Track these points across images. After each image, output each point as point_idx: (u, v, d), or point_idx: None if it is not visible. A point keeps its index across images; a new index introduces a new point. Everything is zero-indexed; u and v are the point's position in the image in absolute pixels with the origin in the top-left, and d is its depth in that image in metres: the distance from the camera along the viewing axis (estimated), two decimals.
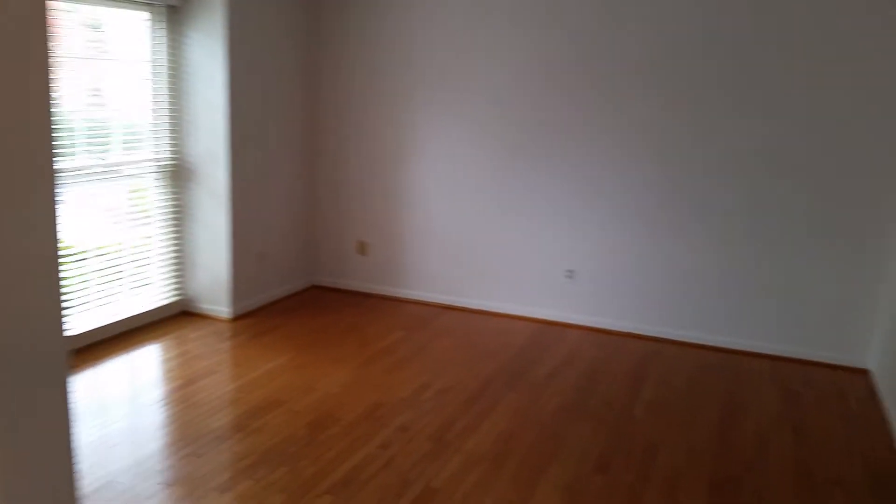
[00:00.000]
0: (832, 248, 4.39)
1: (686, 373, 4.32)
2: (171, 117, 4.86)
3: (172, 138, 4.88)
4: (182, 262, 5.08)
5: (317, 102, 5.57)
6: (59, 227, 1.97)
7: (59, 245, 1.99)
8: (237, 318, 5.02)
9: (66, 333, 2.07)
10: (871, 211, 4.27)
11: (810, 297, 4.49)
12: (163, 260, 4.97)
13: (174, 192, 4.96)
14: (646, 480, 3.12)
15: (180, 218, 5.01)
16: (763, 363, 4.52)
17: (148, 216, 4.82)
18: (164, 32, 4.70)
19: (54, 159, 1.90)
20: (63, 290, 2.04)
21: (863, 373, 4.40)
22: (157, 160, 4.81)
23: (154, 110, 4.76)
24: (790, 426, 3.68)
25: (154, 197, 4.85)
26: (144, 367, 4.21)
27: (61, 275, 2.02)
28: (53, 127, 1.89)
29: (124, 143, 4.59)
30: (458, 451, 3.32)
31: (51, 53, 1.86)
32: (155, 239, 4.89)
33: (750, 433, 3.59)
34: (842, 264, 4.39)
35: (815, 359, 4.54)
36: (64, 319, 2.05)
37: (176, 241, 5.03)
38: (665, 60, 4.55)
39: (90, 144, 4.37)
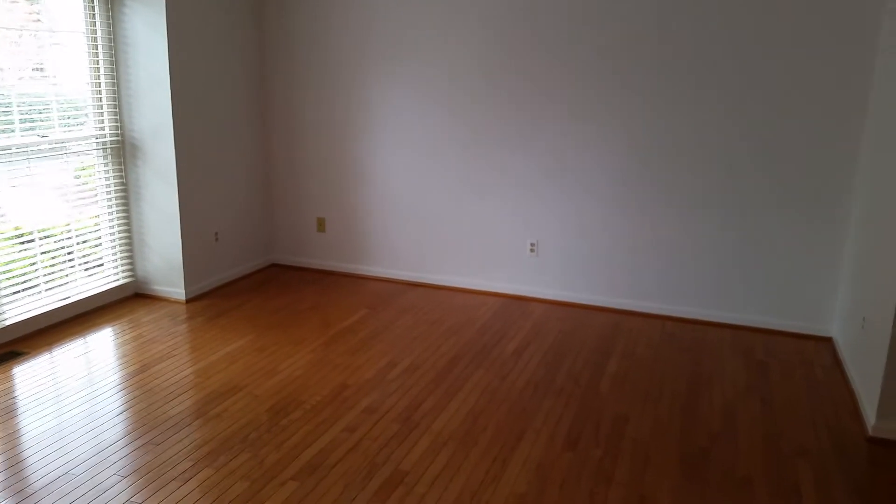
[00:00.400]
0: (795, 218, 4.40)
1: (651, 345, 4.32)
2: (113, 92, 4.62)
3: (115, 114, 4.66)
4: (132, 242, 4.88)
5: (269, 74, 5.38)
6: None
7: None
8: (193, 300, 4.85)
9: None
10: (833, 180, 4.29)
11: (774, 266, 4.51)
12: (113, 241, 4.77)
13: (120, 171, 4.74)
14: (615, 455, 3.09)
15: (128, 197, 4.80)
16: (727, 333, 4.54)
17: (95, 195, 4.61)
18: (102, 3, 4.45)
19: None
20: None
21: (827, 341, 4.45)
22: (101, 137, 4.59)
23: (95, 85, 4.52)
24: (757, 396, 3.69)
25: (100, 175, 4.63)
26: (98, 352, 4.03)
27: None
28: None
29: (66, 119, 4.35)
30: (427, 432, 3.25)
31: None
32: (103, 219, 4.68)
33: (717, 405, 3.59)
34: (804, 233, 4.41)
35: (780, 328, 4.57)
36: None
37: (125, 222, 4.83)
38: (628, 40, 4.48)
39: (30, 121, 4.13)
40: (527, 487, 2.84)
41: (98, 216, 4.64)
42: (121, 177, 4.74)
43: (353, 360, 3.98)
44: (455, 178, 5.07)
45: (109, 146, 4.63)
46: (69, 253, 4.45)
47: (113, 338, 4.23)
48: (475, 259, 5.17)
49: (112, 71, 4.58)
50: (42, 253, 4.27)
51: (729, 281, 4.62)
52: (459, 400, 3.55)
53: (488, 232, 5.08)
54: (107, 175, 4.65)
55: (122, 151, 4.71)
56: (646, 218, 4.70)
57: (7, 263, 4.08)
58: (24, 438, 3.13)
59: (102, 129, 4.59)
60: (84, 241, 4.55)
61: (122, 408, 3.41)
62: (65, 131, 4.34)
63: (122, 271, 4.85)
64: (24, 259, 4.16)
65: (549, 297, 5.05)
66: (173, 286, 4.84)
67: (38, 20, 4.13)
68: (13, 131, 3.99)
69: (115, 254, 4.80)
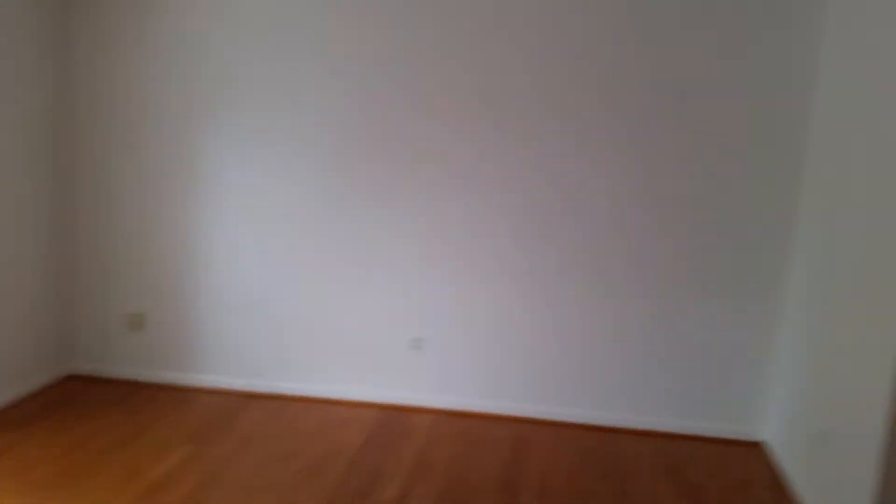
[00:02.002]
0: (717, 302, 3.71)
1: (568, 471, 3.41)
2: None
3: None
4: None
5: (68, 123, 4.10)
6: None
7: None
8: None
9: None
10: (763, 269, 3.64)
11: (694, 360, 3.78)
12: None
13: None
14: None
15: None
16: (648, 445, 3.73)
17: None
18: None
19: None
20: None
21: (757, 447, 3.76)
22: None
23: None
24: None
25: None
26: None
27: None
28: None
29: None
30: None
31: None
32: None
33: None
34: (729, 320, 3.72)
35: (705, 433, 3.83)
36: None
37: None
38: (521, 109, 3.68)
39: None
40: None
41: None
42: None
43: None
44: (315, 259, 4.00)
45: None
46: None
47: None
48: (342, 360, 4.09)
49: None
50: None
51: (648, 380, 3.84)
52: None
53: (359, 325, 4.04)
54: None
55: None
56: (548, 307, 3.85)
57: None
58: None
59: None
60: None
61: None
62: None
63: None
64: None
65: (438, 405, 4.05)
66: None
67: None
68: None
69: None
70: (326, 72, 3.81)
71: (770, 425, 3.72)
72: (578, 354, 3.88)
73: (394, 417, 3.94)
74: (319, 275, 4.01)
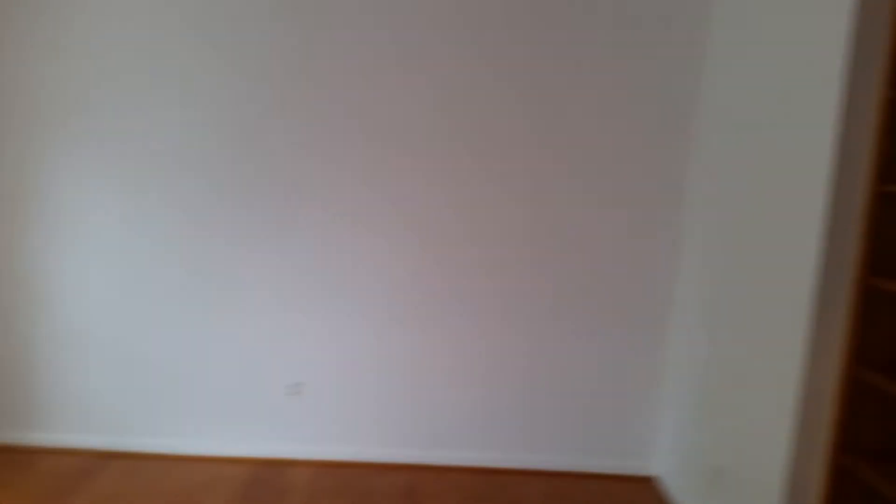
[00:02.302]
0: (608, 342, 3.63)
1: None
2: None
3: None
4: None
5: None
6: None
7: None
8: None
9: None
10: (645, 301, 3.60)
11: (585, 399, 3.67)
12: None
13: None
14: None
15: None
16: (541, 483, 3.59)
17: None
18: None
19: None
20: None
21: (648, 482, 3.70)
22: None
23: None
24: None
25: None
26: None
27: None
28: None
29: None
30: None
31: None
32: None
33: None
34: (620, 360, 3.65)
35: (598, 470, 3.74)
36: None
37: None
38: (398, 137, 3.46)
39: None
40: None
41: None
42: None
43: None
44: (183, 300, 3.59)
45: None
46: None
47: None
48: (211, 410, 3.68)
49: None
50: None
51: (532, 418, 3.70)
52: None
53: (232, 372, 3.65)
54: None
55: None
56: (431, 348, 3.63)
57: None
58: None
59: None
60: None
61: None
62: None
63: None
64: None
65: (318, 456, 3.72)
66: None
67: None
68: None
69: None
70: (188, 102, 3.43)
71: (662, 459, 3.68)
72: (465, 395, 3.68)
73: (268, 473, 3.57)
74: (187, 317, 3.59)
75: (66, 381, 3.63)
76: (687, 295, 3.46)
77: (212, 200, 3.49)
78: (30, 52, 3.39)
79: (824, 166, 2.29)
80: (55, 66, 3.40)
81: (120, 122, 3.43)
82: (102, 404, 3.65)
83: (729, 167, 3.05)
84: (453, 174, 3.48)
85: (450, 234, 3.53)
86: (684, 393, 3.41)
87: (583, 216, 3.52)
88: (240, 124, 3.44)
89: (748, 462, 2.70)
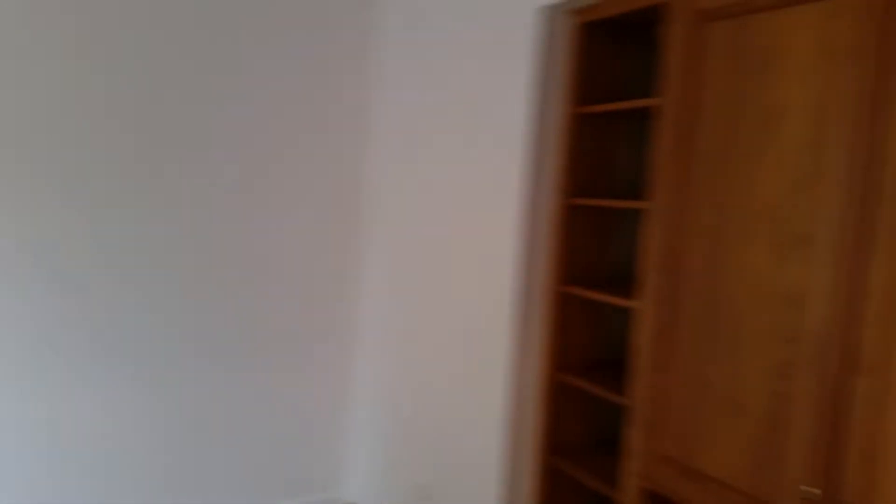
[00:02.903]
0: (280, 361, 3.37)
1: None
2: None
3: None
4: None
5: None
6: None
7: None
8: None
9: None
10: (325, 324, 3.43)
11: (262, 437, 3.36)
12: None
13: None
14: None
15: None
16: None
17: None
18: None
19: None
20: None
21: None
22: None
23: None
24: None
25: None
26: None
27: None
28: None
29: None
30: None
31: None
32: None
33: None
34: (297, 391, 3.42)
35: None
36: None
37: None
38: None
39: None
40: None
41: None
42: None
43: None
44: None
45: None
46: None
47: None
48: None
49: None
50: None
51: (213, 459, 3.28)
52: None
53: None
54: None
55: None
56: (73, 408, 2.98)
57: None
58: None
59: None
60: None
61: None
62: None
63: None
64: None
65: None
66: None
67: None
68: None
69: None
70: None
71: (359, 484, 3.55)
72: (130, 443, 3.09)
73: None
74: None
75: None
76: (373, 313, 3.37)
77: None
78: None
79: (517, 181, 2.36)
80: None
81: None
82: None
83: (415, 177, 3.03)
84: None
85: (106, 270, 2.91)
86: (377, 414, 3.33)
87: (255, 238, 3.20)
88: None
89: (460, 474, 2.71)
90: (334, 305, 3.43)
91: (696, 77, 1.71)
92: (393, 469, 3.21)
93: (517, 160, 2.36)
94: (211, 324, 3.15)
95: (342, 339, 3.48)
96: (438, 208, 2.86)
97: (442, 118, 2.82)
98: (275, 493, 3.44)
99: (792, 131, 1.48)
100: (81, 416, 2.94)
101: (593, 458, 2.40)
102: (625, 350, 2.47)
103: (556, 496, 2.44)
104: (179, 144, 2.92)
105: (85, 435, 2.96)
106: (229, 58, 2.99)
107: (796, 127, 1.47)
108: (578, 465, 2.35)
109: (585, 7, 2.24)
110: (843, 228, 1.38)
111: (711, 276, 1.66)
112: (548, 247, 2.38)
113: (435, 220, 2.89)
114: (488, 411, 2.51)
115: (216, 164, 3.03)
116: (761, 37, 1.56)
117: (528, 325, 2.42)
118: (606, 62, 2.34)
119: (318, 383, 3.44)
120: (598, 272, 2.44)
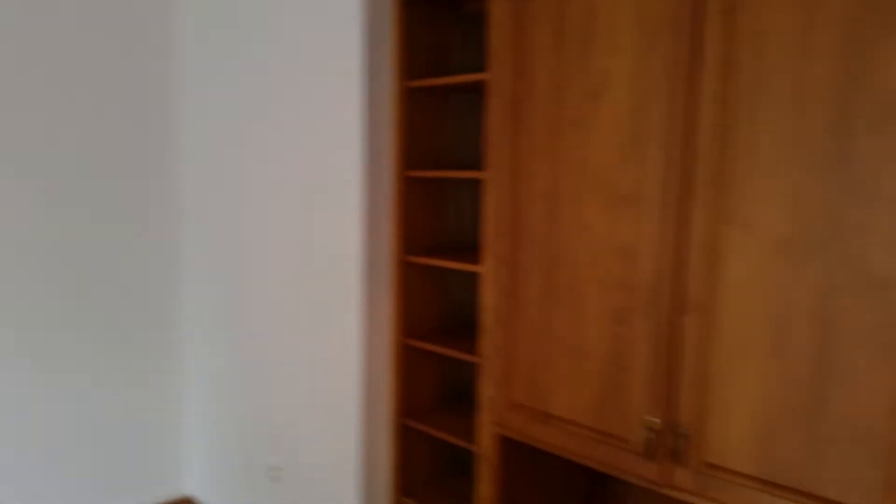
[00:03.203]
0: (100, 353, 3.17)
1: None
2: None
3: None
4: None
5: None
6: None
7: None
8: None
9: None
10: (146, 320, 3.25)
11: (96, 435, 3.16)
12: None
13: None
14: None
15: None
16: None
17: None
18: None
19: None
20: None
21: (185, 502, 3.44)
22: None
23: None
24: None
25: None
26: None
27: None
28: None
29: None
30: None
31: None
32: None
33: None
34: (126, 386, 3.23)
35: None
36: None
37: None
38: None
39: None
40: None
41: None
42: None
43: None
44: None
45: None
46: None
47: None
48: None
49: None
50: None
51: (31, 468, 3.04)
52: None
53: None
54: None
55: None
56: None
57: None
58: None
59: None
60: None
61: None
62: None
63: None
64: None
65: None
66: None
67: None
68: None
69: None
70: None
71: (199, 478, 3.43)
72: None
73: None
74: None
75: None
76: (200, 302, 3.24)
77: None
78: None
79: (355, 156, 2.37)
80: None
81: None
82: None
83: (250, 163, 2.92)
84: None
85: None
86: (214, 405, 3.22)
87: (59, 232, 2.94)
88: None
89: (316, 449, 2.71)
90: (156, 304, 3.26)
91: (524, 51, 1.82)
92: (238, 457, 3.14)
93: (354, 136, 2.36)
94: (31, 325, 2.89)
95: (167, 336, 3.32)
96: (276, 192, 2.79)
97: (272, 99, 2.74)
98: (107, 495, 3.26)
99: (616, 100, 1.63)
100: None
101: (449, 416, 2.52)
102: (473, 312, 2.60)
103: (414, 457, 2.54)
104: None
105: None
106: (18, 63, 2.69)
107: (620, 96, 1.62)
108: (434, 424, 2.46)
109: None
110: (665, 188, 1.56)
111: (551, 236, 1.80)
112: (389, 219, 2.43)
113: (272, 203, 2.82)
114: (342, 384, 2.54)
115: (26, 168, 2.75)
116: (583, 11, 1.68)
117: (377, 295, 2.46)
118: (434, 37, 2.40)
119: (145, 382, 3.28)
120: (440, 241, 2.53)
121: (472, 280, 2.60)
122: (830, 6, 1.31)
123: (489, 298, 1.97)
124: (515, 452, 2.06)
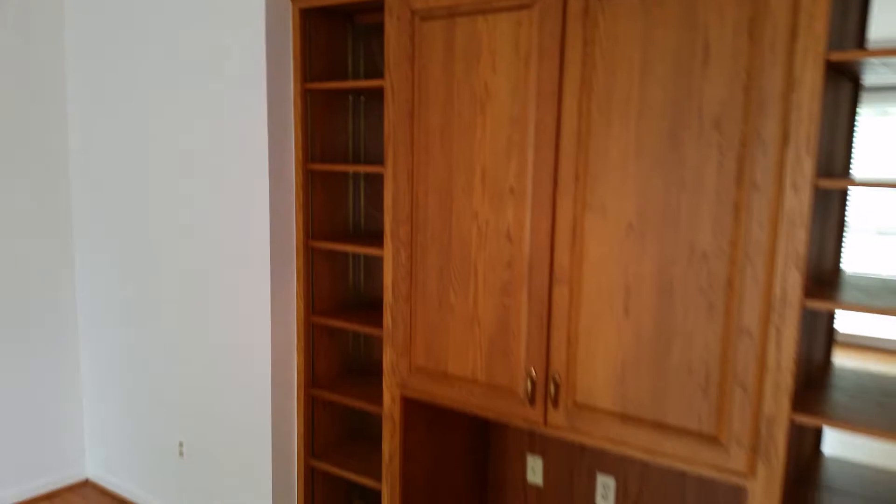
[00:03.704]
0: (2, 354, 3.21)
1: None
2: None
3: None
4: None
5: None
6: None
7: None
8: None
9: None
10: (48, 301, 3.30)
11: None
12: None
13: None
14: None
15: None
16: None
17: None
18: None
19: None
20: None
21: (85, 483, 3.52)
22: None
23: None
24: None
25: None
26: None
27: None
28: None
29: None
30: None
31: None
32: None
33: None
34: (22, 372, 3.27)
35: (31, 494, 3.34)
36: None
37: None
38: None
39: None
40: None
41: None
42: None
43: None
44: None
45: None
46: None
47: None
48: None
49: None
50: None
51: None
52: None
53: None
54: None
55: None
56: None
57: None
58: None
59: None
60: None
61: None
62: None
63: None
64: None
65: None
66: None
67: None
68: None
69: None
70: None
71: (101, 459, 3.52)
72: None
73: None
74: None
75: None
76: (100, 284, 3.31)
77: None
78: None
79: (261, 150, 2.58)
80: None
81: None
82: None
83: (154, 154, 3.03)
84: None
85: None
86: (113, 385, 3.33)
87: None
88: None
89: (226, 425, 2.91)
90: (51, 285, 3.31)
91: (417, 63, 2.10)
92: (143, 436, 3.28)
93: (260, 132, 2.58)
94: None
95: (63, 318, 3.38)
96: (186, 182, 2.94)
97: (179, 101, 2.88)
98: (9, 478, 3.30)
99: (498, 110, 1.96)
100: None
101: (352, 385, 2.79)
102: (372, 292, 2.87)
103: (322, 424, 2.80)
104: None
105: None
106: None
107: (501, 107, 1.95)
108: (340, 392, 2.72)
109: None
110: (537, 182, 1.90)
111: (445, 223, 2.11)
112: (295, 207, 2.65)
113: (183, 194, 2.97)
114: (253, 360, 2.76)
115: None
116: (468, 36, 1.99)
117: (284, 277, 2.69)
118: (331, 45, 2.63)
119: (43, 366, 3.33)
120: (343, 228, 2.78)
121: (371, 263, 2.87)
122: (663, 44, 1.69)
123: (391, 277, 2.26)
124: (415, 412, 2.37)
